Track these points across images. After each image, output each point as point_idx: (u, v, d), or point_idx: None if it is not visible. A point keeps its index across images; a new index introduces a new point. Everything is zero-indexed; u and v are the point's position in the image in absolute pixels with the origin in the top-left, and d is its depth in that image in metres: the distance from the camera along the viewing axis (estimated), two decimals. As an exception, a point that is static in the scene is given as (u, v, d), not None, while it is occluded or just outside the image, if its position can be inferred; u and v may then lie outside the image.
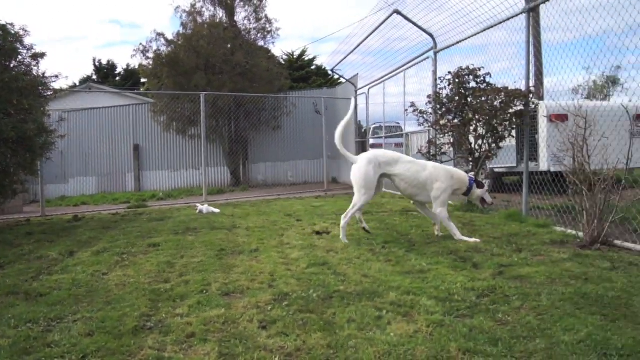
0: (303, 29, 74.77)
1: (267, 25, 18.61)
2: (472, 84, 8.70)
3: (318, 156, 17.13)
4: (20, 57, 9.03)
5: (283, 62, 27.72)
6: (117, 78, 41.40)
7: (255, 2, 18.46)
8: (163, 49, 17.42)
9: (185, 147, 18.69)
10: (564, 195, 6.73)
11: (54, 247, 6.77)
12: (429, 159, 9.14)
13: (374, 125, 17.50)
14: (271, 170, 19.41)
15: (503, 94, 7.95)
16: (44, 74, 9.32)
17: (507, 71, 8.79)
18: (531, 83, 7.83)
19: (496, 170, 10.30)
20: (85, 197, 16.95)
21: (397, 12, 11.08)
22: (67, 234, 8.02)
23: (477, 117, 8.31)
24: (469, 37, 9.34)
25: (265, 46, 19.02)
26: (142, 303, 3.98)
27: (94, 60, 43.25)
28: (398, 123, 16.72)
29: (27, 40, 9.04)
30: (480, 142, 8.52)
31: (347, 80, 17.44)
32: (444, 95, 9.14)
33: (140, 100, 22.61)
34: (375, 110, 16.19)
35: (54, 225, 9.30)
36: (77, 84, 35.94)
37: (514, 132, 8.48)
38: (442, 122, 9.15)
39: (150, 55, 17.47)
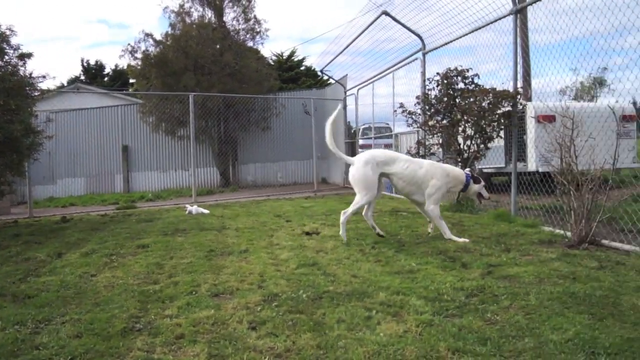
0: (292, 30, 74.76)
1: (256, 26, 18.62)
2: (461, 85, 8.75)
3: (307, 157, 17.14)
4: (6, 57, 8.95)
5: (272, 63, 27.74)
6: (106, 78, 41.18)
7: (244, 2, 18.44)
8: (151, 49, 17.38)
9: (175, 147, 18.63)
10: (552, 195, 6.78)
11: (42, 248, 6.72)
12: (419, 160, 9.16)
13: (363, 126, 17.53)
14: (261, 171, 19.39)
15: (491, 95, 8.00)
16: (31, 74, 9.25)
17: (495, 72, 8.87)
18: (519, 84, 7.88)
19: (485, 170, 10.35)
20: (73, 198, 16.85)
21: (386, 13, 11.12)
22: (55, 235, 7.96)
23: (465, 117, 8.35)
24: (457, 39, 9.38)
25: (255, 47, 19.04)
26: (130, 304, 3.96)
27: (82, 60, 42.97)
28: (387, 124, 16.76)
29: (14, 40, 8.99)
30: (468, 142, 8.57)
31: (336, 81, 17.47)
32: (433, 96, 9.18)
33: (128, 101, 22.51)
34: (364, 111, 16.25)
35: (42, 227, 9.24)
36: (65, 84, 35.74)
37: (502, 133, 8.53)
38: (430, 123, 9.19)
39: (139, 55, 17.42)
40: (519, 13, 7.59)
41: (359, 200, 6.17)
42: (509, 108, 8.02)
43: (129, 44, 18.13)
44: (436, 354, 2.83)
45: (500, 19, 7.91)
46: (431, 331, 3.15)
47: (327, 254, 5.58)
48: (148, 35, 17.38)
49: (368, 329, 3.24)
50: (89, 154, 18.71)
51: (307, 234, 6.99)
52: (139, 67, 17.54)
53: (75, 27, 74.50)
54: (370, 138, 16.13)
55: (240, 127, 18.08)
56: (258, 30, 18.65)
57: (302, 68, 32.92)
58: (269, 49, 35.47)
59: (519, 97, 7.94)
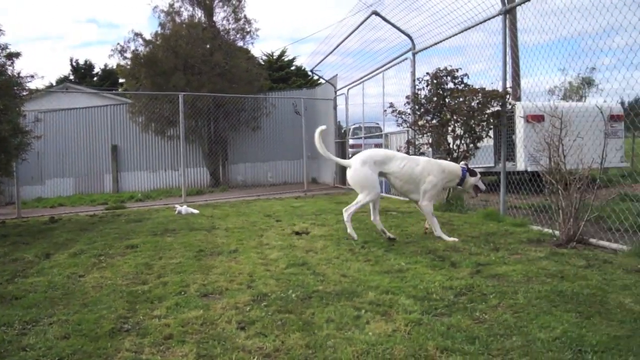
0: (282, 30, 74.68)
1: (246, 26, 18.59)
2: (450, 85, 8.77)
3: (298, 157, 17.13)
4: (-6, 56, 8.89)
5: (262, 63, 27.66)
6: (95, 78, 40.90)
7: (234, 2, 18.40)
8: (141, 49, 17.30)
9: (164, 147, 18.57)
10: (541, 194, 6.82)
11: (30, 249, 6.67)
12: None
13: (353, 126, 17.54)
14: (251, 171, 19.36)
15: (480, 94, 8.03)
16: (19, 73, 9.18)
17: (484, 72, 8.87)
18: (508, 84, 7.92)
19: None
20: (62, 198, 16.74)
21: (376, 13, 11.13)
22: (43, 235, 7.91)
23: (455, 117, 8.38)
24: (446, 39, 9.41)
25: (245, 46, 19.00)
26: (119, 305, 3.94)
27: (71, 60, 42.71)
28: (377, 123, 16.77)
29: (2, 40, 8.96)
30: (458, 142, 8.60)
31: (326, 81, 17.47)
32: (422, 96, 9.20)
33: (118, 101, 22.40)
34: (354, 110, 16.26)
35: (30, 227, 9.18)
36: (54, 84, 35.46)
37: (491, 133, 8.56)
38: (420, 123, 9.21)
39: (128, 55, 17.34)
40: (508, 13, 7.62)
41: (361, 199, 6.13)
42: (498, 108, 8.05)
43: (118, 44, 18.12)
44: (425, 353, 2.84)
45: (489, 19, 7.94)
46: (420, 330, 3.15)
47: (317, 254, 5.58)
48: (137, 34, 17.33)
49: (357, 328, 3.24)
50: (78, 154, 18.60)
51: (297, 233, 6.99)
52: (128, 67, 17.47)
53: (64, 27, 74.10)
54: (361, 138, 16.14)
55: (231, 126, 18.03)
56: (248, 30, 18.65)
57: (293, 68, 32.92)
58: (259, 49, 35.36)
59: (508, 96, 7.98)
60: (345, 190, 14.46)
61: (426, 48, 10.42)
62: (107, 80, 38.52)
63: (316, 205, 10.55)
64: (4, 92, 8.52)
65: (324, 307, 3.67)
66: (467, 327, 3.19)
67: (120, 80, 30.66)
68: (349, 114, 16.48)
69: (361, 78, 14.62)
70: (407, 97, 9.72)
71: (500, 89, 7.88)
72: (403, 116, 9.68)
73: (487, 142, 8.82)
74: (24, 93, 9.75)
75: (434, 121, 8.96)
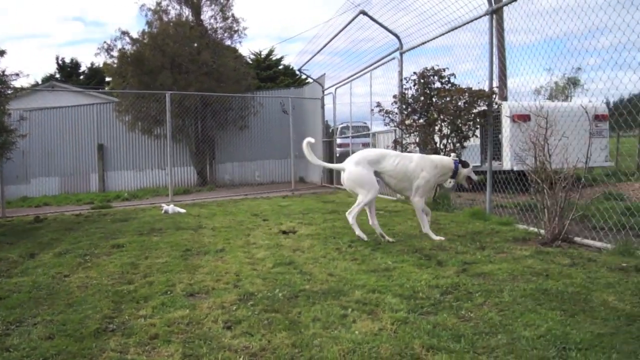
0: (270, 29, 74.60)
1: (234, 25, 18.50)
2: (437, 85, 8.81)
3: (285, 156, 17.10)
4: (-22, 55, 8.80)
5: (250, 62, 27.62)
6: (81, 77, 40.57)
7: (221, 0, 18.32)
8: (128, 47, 17.17)
9: (151, 146, 18.46)
10: (527, 193, 6.86)
11: (14, 249, 6.61)
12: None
13: (341, 125, 17.56)
14: (238, 170, 19.30)
15: (467, 94, 8.07)
16: (3, 72, 9.10)
17: (471, 72, 8.94)
18: (494, 84, 7.96)
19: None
20: (47, 197, 16.58)
21: (363, 12, 11.15)
22: (28, 235, 7.85)
23: (441, 117, 8.41)
24: (434, 38, 9.44)
25: (232, 45, 18.93)
26: (104, 305, 3.92)
27: (57, 58, 42.31)
28: (365, 123, 16.80)
29: (-14, 38, 8.81)
30: (445, 141, 8.63)
31: (314, 80, 17.47)
32: (410, 96, 9.23)
33: (104, 100, 22.22)
34: (342, 110, 16.26)
35: (15, 227, 9.10)
36: (40, 82, 35.16)
37: (478, 132, 8.61)
38: (407, 122, 9.24)
39: (115, 53, 17.21)
40: (495, 13, 7.66)
41: (362, 199, 6.07)
42: (485, 107, 8.09)
43: (105, 42, 17.90)
44: (411, 351, 2.84)
45: (476, 19, 7.97)
46: (406, 329, 3.16)
47: (304, 253, 5.58)
48: (124, 33, 17.19)
49: (343, 327, 3.24)
50: (64, 153, 18.45)
51: (284, 232, 6.99)
52: (115, 66, 17.34)
53: (50, 25, 73.58)
54: (348, 137, 16.16)
55: (218, 125, 17.97)
56: (236, 28, 18.56)
57: (280, 67, 32.87)
58: (247, 48, 35.38)
59: (494, 96, 8.02)
60: (332, 190, 14.47)
61: (413, 48, 10.46)
62: (94, 78, 38.21)
63: (303, 205, 10.55)
64: (-12, 90, 8.45)
65: (311, 306, 3.67)
66: (452, 325, 3.21)
67: (107, 79, 30.42)
68: (336, 113, 16.51)
69: (349, 77, 14.63)
70: (395, 96, 9.74)
71: (486, 89, 7.92)
72: (390, 115, 9.70)
73: (474, 142, 8.87)
74: (9, 91, 9.66)
75: (421, 120, 8.99)
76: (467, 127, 8.33)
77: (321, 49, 14.96)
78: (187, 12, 18.32)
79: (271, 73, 31.19)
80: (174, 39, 16.72)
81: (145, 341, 3.16)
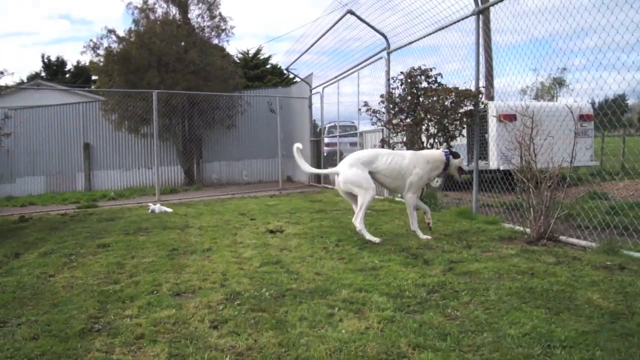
0: (258, 28, 74.46)
1: (222, 23, 18.41)
2: (424, 84, 8.83)
3: (273, 155, 17.09)
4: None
5: (238, 61, 27.54)
6: (67, 75, 40.20)
7: (209, -1, 18.25)
8: (114, 45, 17.02)
9: (138, 145, 18.33)
10: (513, 192, 6.91)
11: (-2, 248, 6.55)
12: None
13: (328, 125, 17.55)
14: (225, 169, 19.22)
15: (453, 94, 8.10)
16: (-13, 69, 9.01)
17: (458, 72, 8.94)
18: (481, 84, 8.00)
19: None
20: (33, 197, 16.42)
21: (351, 12, 11.15)
22: (12, 235, 7.77)
23: (428, 116, 8.44)
24: (420, 38, 9.46)
25: (220, 44, 18.82)
26: (90, 305, 3.89)
27: (43, 56, 41.98)
28: (352, 122, 16.81)
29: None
30: (431, 141, 8.66)
31: (301, 80, 17.46)
32: (397, 95, 9.25)
33: (90, 98, 22.04)
34: (329, 109, 16.28)
35: (-1, 226, 9.01)
36: (25, 80, 34.81)
37: (464, 132, 8.65)
38: (394, 122, 9.26)
39: (101, 52, 17.04)
40: (481, 14, 7.69)
41: (363, 199, 6.01)
42: (471, 107, 8.13)
43: (91, 40, 17.69)
44: (397, 349, 2.85)
45: (462, 19, 8.00)
46: (392, 327, 3.17)
47: (291, 252, 5.58)
48: (111, 31, 17.04)
49: (330, 326, 3.25)
50: (50, 152, 18.26)
51: (271, 232, 6.98)
52: (101, 64, 17.19)
53: (36, 23, 72.78)
54: (336, 136, 16.17)
55: (205, 125, 17.89)
56: (223, 27, 18.47)
57: (268, 66, 32.81)
58: (234, 47, 35.26)
59: (480, 96, 8.06)
60: (320, 189, 14.47)
61: (401, 47, 10.48)
62: (80, 77, 37.89)
63: (291, 204, 10.55)
64: (-29, 88, 8.36)
65: (298, 305, 3.67)
66: (439, 323, 3.22)
67: (93, 78, 30.17)
68: (324, 113, 16.51)
69: (336, 77, 14.64)
70: (382, 96, 9.76)
71: (473, 89, 7.96)
72: (377, 115, 9.72)
73: (461, 141, 8.91)
74: (-7, 89, 9.58)
75: (408, 120, 9.02)
76: (453, 126, 8.37)
77: (309, 48, 14.95)
78: (174, 10, 18.22)
79: (259, 72, 31.14)
80: (160, 38, 16.61)
81: (131, 341, 3.15)
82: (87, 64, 21.10)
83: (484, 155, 9.20)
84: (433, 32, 8.90)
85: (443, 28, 8.59)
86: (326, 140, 16.92)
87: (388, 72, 10.78)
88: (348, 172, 6.11)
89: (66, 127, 18.40)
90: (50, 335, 3.26)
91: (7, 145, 11.92)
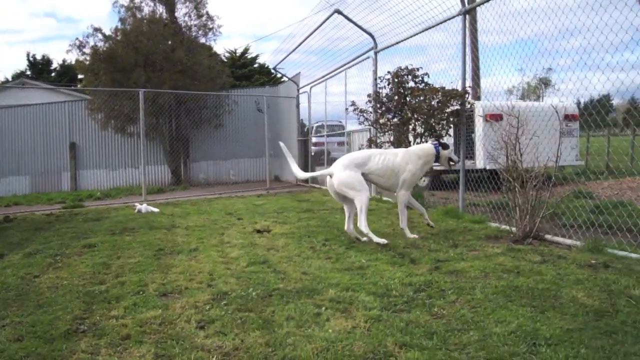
0: (245, 27, 74.34)
1: (209, 22, 18.35)
2: (411, 84, 8.84)
3: (260, 154, 17.07)
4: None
5: (225, 60, 27.45)
6: (53, 74, 39.87)
7: (196, -2, 18.18)
8: (100, 44, 16.91)
9: (124, 145, 18.22)
10: (499, 192, 6.95)
11: (-18, 249, 6.48)
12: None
13: (316, 124, 17.56)
14: (213, 169, 19.16)
15: (440, 93, 8.12)
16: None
17: (445, 72, 8.97)
18: (468, 83, 8.03)
19: (435, 168, 10.53)
20: (18, 197, 16.24)
21: (338, 11, 11.15)
22: (-4, 235, 7.70)
23: (415, 116, 8.45)
24: (407, 38, 9.49)
25: (207, 43, 18.75)
26: (75, 306, 3.87)
27: (28, 55, 41.53)
28: (340, 122, 16.84)
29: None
30: (418, 140, 8.68)
31: (289, 79, 17.44)
32: (384, 95, 9.26)
33: (76, 97, 21.86)
34: (317, 109, 16.27)
35: (-17, 227, 8.91)
36: (10, 79, 34.50)
37: (451, 131, 8.67)
38: (381, 121, 9.27)
39: (87, 50, 16.91)
40: (468, 14, 7.73)
41: (360, 203, 5.91)
42: (458, 107, 8.16)
43: (77, 39, 17.52)
44: (384, 348, 2.86)
45: (449, 19, 8.03)
46: (379, 326, 3.18)
47: (278, 252, 5.58)
48: (97, 29, 16.93)
49: (317, 325, 3.25)
50: (35, 151, 18.10)
51: (259, 231, 6.97)
52: (87, 63, 17.07)
53: (21, 20, 72.10)
54: (323, 136, 16.18)
55: (192, 124, 17.83)
56: (211, 26, 18.41)
57: (256, 65, 32.78)
58: (222, 46, 35.14)
59: (467, 96, 8.09)
60: (307, 189, 14.46)
61: (388, 47, 10.50)
62: (66, 76, 37.58)
63: (278, 204, 10.54)
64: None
65: (285, 305, 3.67)
66: (425, 322, 3.24)
67: (79, 76, 29.93)
68: (311, 112, 16.49)
69: (324, 76, 14.64)
70: (369, 95, 9.78)
71: (459, 89, 7.99)
72: (365, 114, 9.72)
73: (447, 141, 8.93)
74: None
75: (395, 119, 9.03)
76: (440, 126, 8.39)
77: (296, 47, 14.94)
78: (161, 9, 18.12)
79: (246, 71, 31.10)
80: (147, 36, 16.52)
81: (116, 342, 3.13)
82: (73, 62, 20.93)
83: (470, 154, 9.24)
84: (420, 32, 8.93)
85: (430, 28, 8.62)
86: (314, 139, 16.92)
87: (375, 72, 10.79)
88: (342, 174, 6.07)
89: (52, 127, 18.25)
90: (35, 337, 3.23)
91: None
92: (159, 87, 15.73)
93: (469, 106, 8.42)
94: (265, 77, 30.12)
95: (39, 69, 39.89)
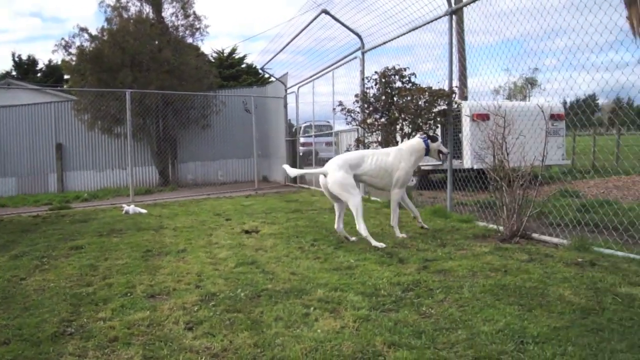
0: (233, 27, 74.13)
1: (196, 22, 18.28)
2: (398, 84, 8.86)
3: (248, 155, 17.03)
4: None
5: (213, 60, 27.37)
6: (39, 74, 39.50)
7: (183, -2, 18.10)
8: (87, 44, 16.79)
9: (111, 146, 18.09)
10: (486, 191, 6.99)
11: (-33, 251, 6.41)
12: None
13: (304, 124, 17.56)
14: (201, 170, 19.08)
15: (427, 93, 8.15)
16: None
17: (432, 72, 9.00)
18: (454, 83, 8.06)
19: (423, 167, 10.57)
20: (3, 199, 16.10)
21: (326, 12, 11.15)
22: (-19, 237, 7.61)
23: (403, 116, 8.47)
24: (394, 38, 9.51)
25: (194, 43, 18.67)
26: (62, 308, 3.84)
27: (13, 55, 41.04)
28: (328, 122, 16.84)
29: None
30: (406, 140, 8.70)
31: (277, 79, 17.43)
32: (371, 95, 9.28)
33: (62, 98, 21.68)
34: (305, 109, 16.28)
35: (-33, 229, 8.81)
36: (-5, 80, 34.12)
37: (438, 131, 8.71)
38: (369, 121, 9.29)
39: (73, 50, 16.79)
40: (454, 14, 7.76)
41: (353, 204, 5.88)
42: (445, 107, 8.20)
43: (62, 39, 17.39)
44: (372, 348, 2.87)
45: (436, 19, 8.05)
46: (368, 326, 3.19)
47: (267, 252, 5.57)
48: (83, 29, 16.82)
49: (306, 325, 3.25)
50: (21, 152, 17.93)
51: (247, 232, 6.95)
52: (73, 63, 16.94)
53: (6, 20, 71.33)
54: (311, 136, 16.18)
55: (180, 124, 17.75)
56: (198, 26, 18.34)
57: (243, 65, 32.72)
58: (209, 46, 35.03)
59: (454, 96, 8.12)
60: (296, 189, 14.46)
61: (375, 47, 10.52)
62: (52, 76, 37.23)
63: (266, 204, 10.52)
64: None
65: (273, 305, 3.67)
66: (413, 322, 3.24)
67: (65, 77, 29.68)
68: (299, 112, 16.51)
69: (312, 76, 14.64)
70: (357, 95, 9.79)
71: (446, 88, 8.02)
72: (352, 114, 9.73)
73: (435, 140, 8.97)
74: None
75: (383, 119, 9.05)
76: (427, 126, 8.41)
77: (284, 47, 14.93)
78: (147, 9, 18.03)
79: (234, 72, 31.03)
80: (134, 36, 16.42)
81: (104, 344, 3.11)
82: (59, 63, 20.80)
83: (457, 154, 9.28)
84: (407, 32, 8.96)
85: (417, 28, 8.64)
86: (302, 140, 16.91)
87: (363, 72, 10.81)
88: (337, 174, 6.01)
89: (38, 127, 18.10)
90: (21, 340, 3.20)
91: (-25, 146, 11.68)
92: (146, 88, 15.64)
93: (456, 106, 8.46)
94: (253, 77, 30.07)
95: (25, 69, 39.50)
